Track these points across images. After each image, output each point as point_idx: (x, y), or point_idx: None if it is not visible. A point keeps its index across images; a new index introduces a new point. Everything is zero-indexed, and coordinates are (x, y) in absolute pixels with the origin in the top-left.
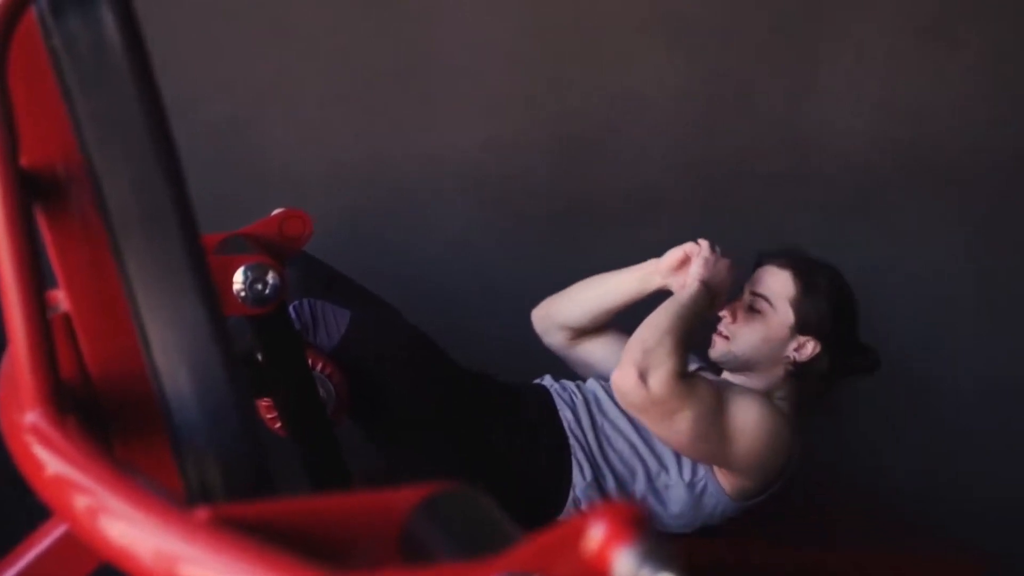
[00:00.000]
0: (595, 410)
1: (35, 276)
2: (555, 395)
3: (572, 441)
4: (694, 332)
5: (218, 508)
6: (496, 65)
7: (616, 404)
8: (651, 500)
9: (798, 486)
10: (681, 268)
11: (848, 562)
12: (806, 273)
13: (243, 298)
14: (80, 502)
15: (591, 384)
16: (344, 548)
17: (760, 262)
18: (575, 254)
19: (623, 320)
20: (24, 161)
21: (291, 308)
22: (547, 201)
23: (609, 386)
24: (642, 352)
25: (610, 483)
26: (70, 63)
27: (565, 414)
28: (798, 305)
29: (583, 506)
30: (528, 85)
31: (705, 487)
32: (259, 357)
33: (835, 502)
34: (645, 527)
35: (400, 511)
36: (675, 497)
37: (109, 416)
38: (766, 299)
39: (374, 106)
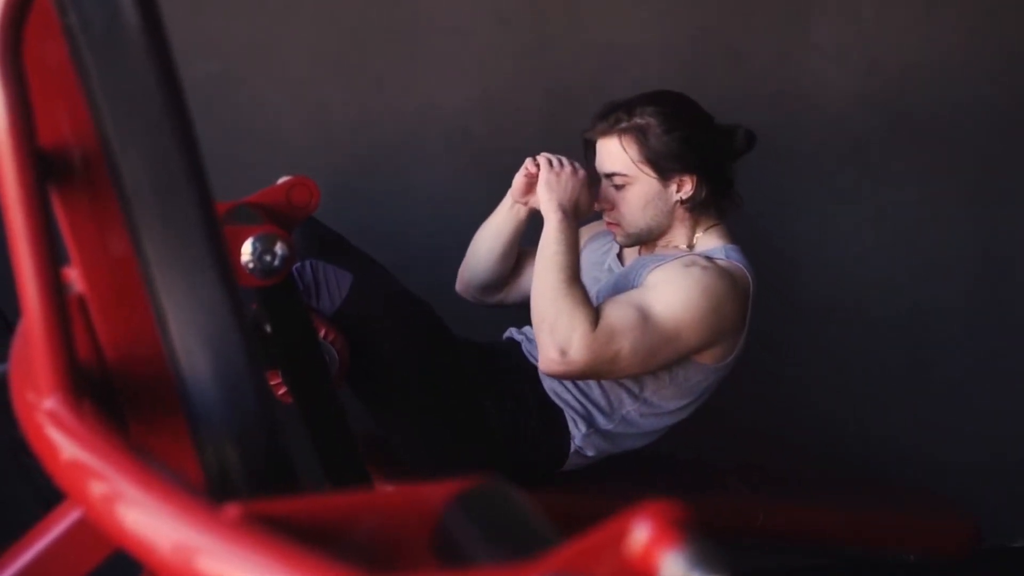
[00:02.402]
0: None
1: (52, 258)
2: (526, 353)
3: (556, 400)
4: (577, 257)
5: (247, 505)
6: (483, 22)
7: None
8: (647, 411)
9: (788, 449)
10: (531, 189)
11: (847, 523)
12: (631, 125)
13: (252, 270)
14: (96, 488)
15: None
16: (376, 547)
17: (590, 142)
18: None
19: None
20: (39, 139)
21: (293, 269)
22: None
23: None
24: (549, 331)
25: (602, 420)
26: (86, 41)
27: (541, 373)
28: (647, 159)
29: (588, 453)
30: (515, 42)
31: (687, 373)
32: (266, 328)
33: (823, 463)
34: (693, 528)
35: (433, 508)
36: (667, 396)
37: (125, 399)
38: (618, 174)
39: (361, 64)
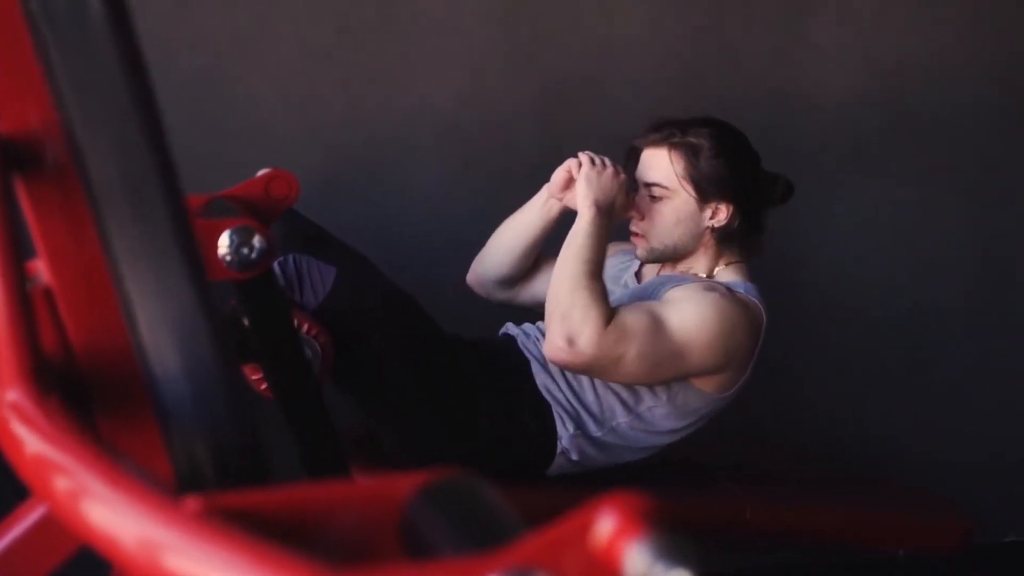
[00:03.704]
0: None
1: (14, 247)
2: (522, 348)
3: (547, 397)
4: (603, 258)
5: (209, 498)
6: (476, 18)
7: None
8: (639, 425)
9: (781, 447)
10: (570, 186)
11: (837, 520)
12: (683, 142)
13: (228, 263)
14: (60, 484)
15: None
16: (342, 539)
17: (637, 149)
18: None
19: (554, 244)
20: (2, 128)
21: (275, 264)
22: (527, 156)
23: None
24: (561, 318)
25: (592, 426)
26: (48, 27)
27: (534, 368)
28: (691, 176)
29: (573, 456)
30: (509, 39)
31: (686, 397)
32: (245, 322)
33: (823, 463)
34: (658, 519)
35: (399, 500)
36: (660, 415)
37: (93, 394)
38: (659, 185)
39: (352, 60)
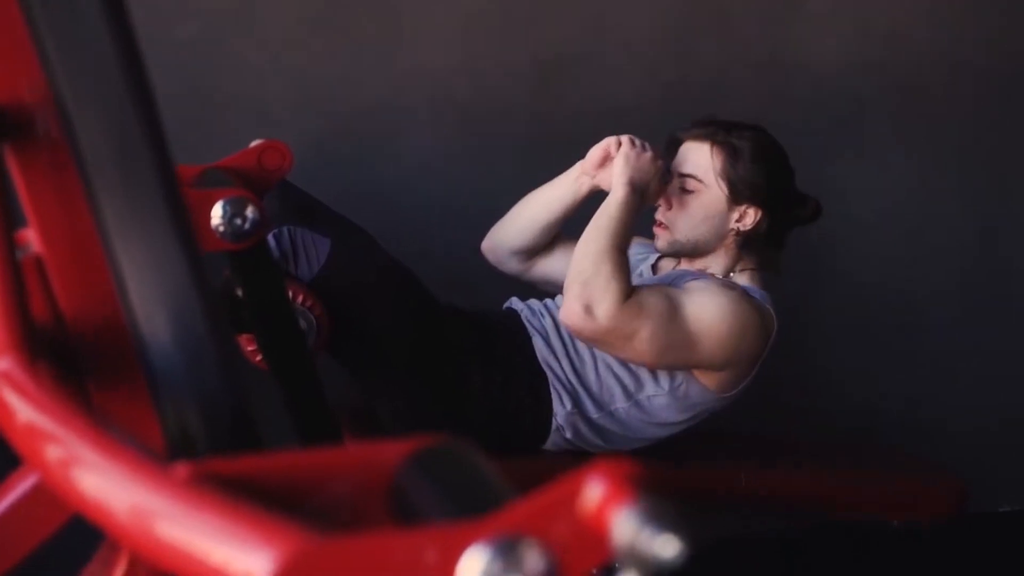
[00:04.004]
0: (564, 333)
1: (5, 216)
2: (526, 322)
3: (547, 371)
4: (630, 237)
5: (198, 464)
6: None
7: None
8: (636, 414)
9: (782, 415)
10: (605, 165)
11: (832, 488)
12: (726, 141)
13: (222, 233)
14: (52, 452)
15: (560, 302)
16: (331, 505)
17: (678, 140)
18: (550, 178)
19: (572, 227)
20: None
21: (270, 236)
22: (521, 124)
23: None
24: (581, 285)
25: (590, 406)
26: None
27: (537, 343)
28: (727, 175)
29: (567, 434)
30: (502, 6)
31: (688, 389)
32: (239, 293)
33: (816, 429)
34: (645, 486)
35: (388, 466)
36: (660, 406)
37: (84, 362)
38: (694, 177)
39: (345, 28)
